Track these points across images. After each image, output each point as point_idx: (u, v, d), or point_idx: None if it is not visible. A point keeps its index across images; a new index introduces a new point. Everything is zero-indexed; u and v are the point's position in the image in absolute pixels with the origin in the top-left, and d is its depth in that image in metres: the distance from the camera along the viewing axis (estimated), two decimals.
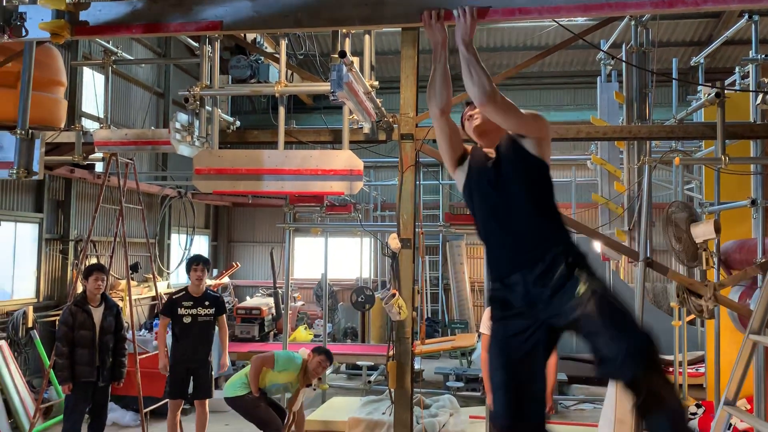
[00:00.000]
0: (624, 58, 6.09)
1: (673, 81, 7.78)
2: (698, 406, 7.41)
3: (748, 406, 6.75)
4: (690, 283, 4.90)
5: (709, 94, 5.12)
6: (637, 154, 6.04)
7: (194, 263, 6.08)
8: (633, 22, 6.05)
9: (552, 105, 14.60)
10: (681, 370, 7.06)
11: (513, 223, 2.59)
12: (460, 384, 8.91)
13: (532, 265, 2.49)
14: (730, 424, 4.84)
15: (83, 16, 2.97)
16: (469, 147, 2.84)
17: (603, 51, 6.82)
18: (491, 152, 2.73)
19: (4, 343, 7.37)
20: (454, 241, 14.65)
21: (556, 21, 3.27)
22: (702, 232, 4.95)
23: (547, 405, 4.65)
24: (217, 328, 6.15)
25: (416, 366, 6.54)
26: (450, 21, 2.65)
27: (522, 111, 2.63)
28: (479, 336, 4.98)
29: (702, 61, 7.60)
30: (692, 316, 7.01)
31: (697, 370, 8.49)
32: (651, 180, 5.40)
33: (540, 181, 2.66)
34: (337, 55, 3.75)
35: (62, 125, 6.44)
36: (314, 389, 5.45)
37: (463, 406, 7.55)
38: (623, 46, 6.25)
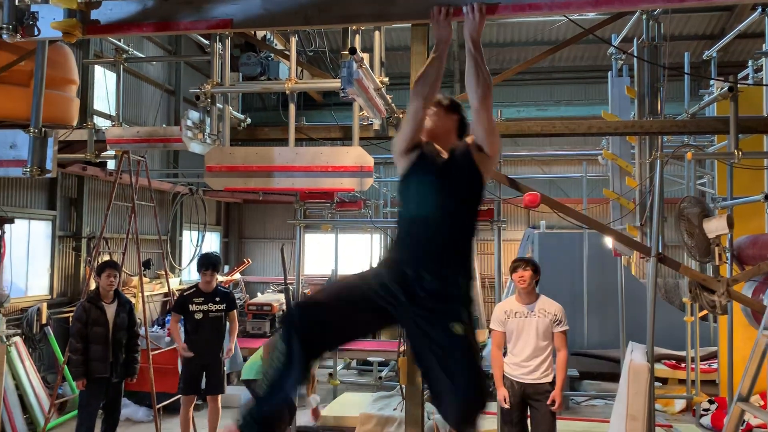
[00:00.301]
0: (635, 53, 6.05)
1: (685, 75, 7.73)
2: (711, 402, 7.38)
3: (762, 402, 6.72)
4: (703, 279, 4.87)
5: (721, 89, 5.08)
6: (649, 149, 6.01)
7: (203, 268, 6.09)
8: (644, 16, 6.00)
9: (563, 100, 14.53)
10: (693, 366, 7.03)
11: (439, 224, 2.65)
12: None
13: (434, 272, 2.56)
14: (744, 421, 4.82)
15: (94, 14, 2.98)
16: (423, 140, 2.86)
17: (614, 46, 6.78)
18: (443, 152, 2.78)
19: (18, 340, 7.45)
20: None
21: (566, 16, 3.25)
22: (715, 227, 4.92)
23: (557, 401, 4.66)
24: (227, 324, 6.18)
25: None
26: (459, 17, 2.65)
27: None
28: (489, 332, 4.98)
29: (714, 54, 7.53)
30: (705, 312, 6.98)
31: (709, 365, 8.45)
32: (663, 175, 5.37)
33: (476, 197, 2.75)
34: (347, 52, 3.76)
35: (74, 123, 6.48)
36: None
37: None
38: (635, 40, 6.20)
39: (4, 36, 2.99)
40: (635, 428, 4.80)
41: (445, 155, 2.76)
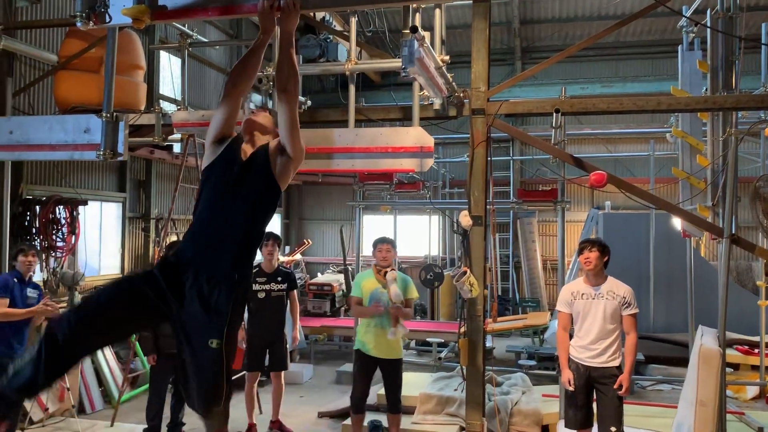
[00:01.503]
0: (708, 25, 5.76)
1: (763, 47, 7.32)
2: None
3: None
4: None
5: None
6: (722, 126, 5.74)
7: (264, 239, 6.21)
8: None
9: (629, 76, 14.01)
10: (767, 352, 6.75)
11: (225, 224, 2.67)
12: (533, 362, 8.82)
13: (209, 278, 2.60)
14: None
15: (162, 1, 3.05)
16: (235, 134, 2.90)
17: (686, 17, 6.48)
18: (247, 151, 2.80)
19: None
20: (526, 218, 14.41)
21: None
22: None
23: (624, 385, 4.55)
24: (288, 303, 6.29)
25: (487, 344, 6.52)
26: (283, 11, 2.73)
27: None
28: (552, 314, 4.90)
29: None
30: None
31: None
32: (737, 153, 5.13)
33: (266, 204, 2.78)
34: (408, 31, 3.73)
35: (142, 108, 6.69)
36: (395, 279, 5.33)
37: (536, 384, 7.47)
38: (708, 11, 5.91)
39: (78, 24, 3.10)
40: (705, 414, 4.65)
41: (247, 154, 2.79)
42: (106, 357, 7.60)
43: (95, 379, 7.30)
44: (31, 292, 5.26)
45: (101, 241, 9.16)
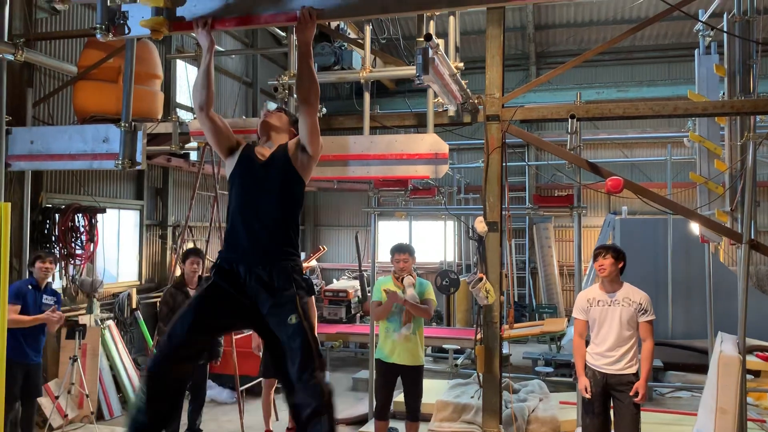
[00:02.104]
0: (725, 29, 5.72)
1: None
2: None
3: None
4: None
5: None
6: (740, 130, 5.68)
7: None
8: None
9: (644, 80, 13.92)
10: None
11: (260, 221, 2.85)
12: (550, 369, 8.77)
13: (263, 266, 2.79)
14: None
15: (180, 12, 3.09)
16: (243, 141, 3.10)
17: (702, 21, 6.44)
18: (264, 153, 2.99)
19: (112, 323, 7.88)
20: (542, 223, 14.34)
21: None
22: None
23: (641, 392, 4.51)
24: None
25: (504, 350, 6.49)
26: (221, 27, 3.02)
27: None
28: (569, 320, 4.87)
29: None
30: None
31: None
32: (756, 157, 5.08)
33: (294, 196, 2.96)
34: (422, 39, 3.74)
35: (160, 116, 6.77)
36: (413, 284, 5.32)
37: (553, 391, 7.43)
38: (724, 15, 5.87)
39: (98, 35, 3.15)
40: (725, 422, 4.60)
41: (264, 155, 2.96)
42: (124, 362, 7.67)
43: (114, 386, 7.37)
44: (47, 299, 5.32)
45: (119, 249, 9.26)
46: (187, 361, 2.80)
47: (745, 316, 4.79)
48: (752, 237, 4.82)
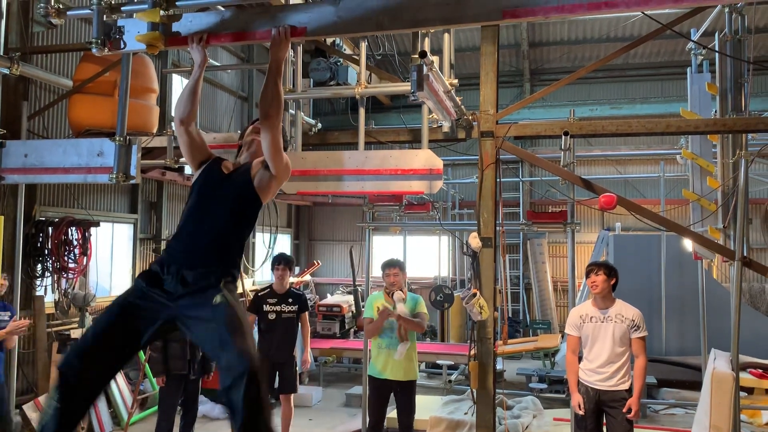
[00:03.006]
0: (717, 48, 5.79)
1: None
2: None
3: None
4: None
5: None
6: (732, 148, 5.73)
7: (276, 263, 6.26)
8: (727, 9, 5.74)
9: (638, 98, 14.04)
10: None
11: (204, 230, 2.79)
12: (544, 385, 8.75)
13: (192, 269, 2.69)
14: None
15: (175, 27, 3.11)
16: (212, 155, 3.07)
17: (693, 41, 6.51)
18: (229, 166, 2.97)
19: None
20: (536, 239, 14.37)
21: (643, 12, 3.15)
22: None
23: (634, 409, 4.51)
24: (299, 324, 6.29)
25: (498, 366, 6.47)
26: (213, 43, 3.08)
27: (283, 152, 2.90)
28: (563, 336, 4.87)
29: None
30: None
31: None
32: (747, 175, 5.11)
33: (244, 214, 2.89)
34: (417, 56, 3.77)
35: (155, 130, 6.77)
36: (403, 299, 5.32)
37: (547, 407, 7.41)
38: (716, 34, 5.94)
39: (94, 50, 3.17)
40: None
41: (228, 170, 2.94)
42: (116, 378, 7.61)
43: (104, 401, 7.30)
44: (2, 315, 5.32)
45: (113, 262, 9.22)
46: (101, 366, 2.67)
47: (738, 332, 4.80)
48: (745, 254, 4.84)
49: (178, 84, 10.67)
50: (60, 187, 7.99)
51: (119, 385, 7.55)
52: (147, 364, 6.75)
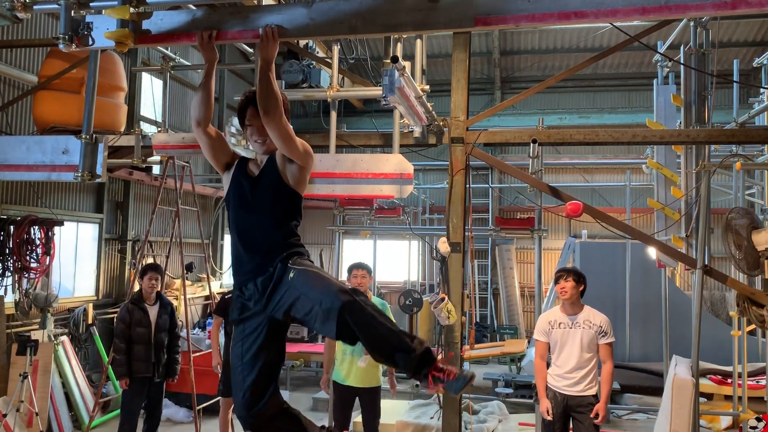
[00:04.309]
0: (682, 60, 5.93)
1: (734, 83, 7.54)
2: (758, 419, 7.14)
3: None
4: (751, 293, 4.73)
5: None
6: (696, 159, 5.87)
7: None
8: (692, 23, 5.88)
9: (606, 108, 14.30)
10: (741, 382, 6.82)
11: (256, 235, 2.82)
12: (510, 390, 8.82)
13: (263, 273, 2.74)
14: None
15: (146, 24, 3.07)
16: (236, 154, 3.04)
17: (660, 53, 6.66)
18: (254, 169, 2.93)
19: (66, 339, 7.66)
20: (504, 245, 14.50)
21: (611, 23, 3.21)
22: (764, 239, 4.77)
23: (601, 414, 4.57)
24: None
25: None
26: (221, 40, 2.91)
27: (298, 140, 2.83)
28: (530, 341, 4.92)
29: (765, 62, 7.33)
30: (753, 327, 6.77)
31: (757, 382, 8.18)
32: (710, 185, 5.24)
33: (289, 211, 2.87)
34: (389, 61, 3.78)
35: (122, 129, 6.67)
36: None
37: (512, 412, 7.47)
38: (681, 47, 6.08)
39: (61, 46, 3.10)
40: None
41: (255, 172, 2.91)
42: (77, 379, 7.45)
43: (65, 403, 7.14)
44: None
45: (76, 263, 9.03)
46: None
47: (698, 339, 4.91)
48: (706, 263, 4.96)
49: (148, 82, 10.52)
50: (23, 184, 7.81)
51: (81, 388, 7.40)
52: (110, 367, 6.62)
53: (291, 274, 2.67)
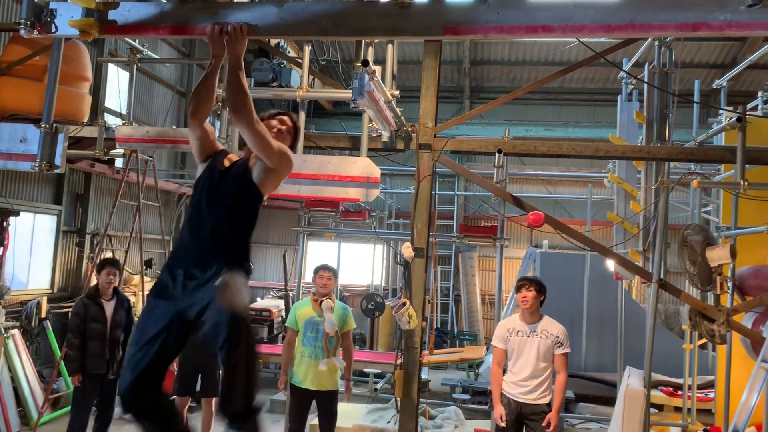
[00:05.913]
0: (646, 78, 6.06)
1: (695, 103, 7.74)
2: (706, 431, 7.33)
3: None
4: (703, 307, 4.86)
5: (730, 118, 5.09)
6: (655, 175, 6.00)
7: None
8: (656, 42, 6.02)
9: (571, 121, 14.55)
10: (690, 394, 7.00)
11: (209, 226, 2.75)
12: (467, 396, 8.88)
13: (199, 267, 2.65)
14: None
15: (112, 15, 3.02)
16: (219, 148, 3.01)
17: (624, 71, 6.80)
18: (230, 159, 2.92)
19: (16, 332, 7.45)
20: (467, 252, 14.62)
21: (578, 39, 3.28)
22: (717, 256, 4.91)
23: (552, 423, 4.64)
24: None
25: (423, 376, 6.53)
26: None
27: (273, 142, 2.76)
28: (488, 348, 4.97)
29: (725, 84, 7.54)
30: (704, 340, 6.95)
31: (706, 394, 8.40)
32: (668, 201, 5.37)
33: (244, 210, 2.82)
34: (359, 64, 3.79)
35: (85, 120, 6.54)
36: (331, 308, 5.31)
37: (469, 418, 7.52)
38: (646, 65, 6.22)
39: (22, 31, 3.03)
40: None
41: (229, 163, 2.89)
42: (27, 375, 7.26)
43: (13, 399, 6.94)
44: None
45: (32, 254, 8.80)
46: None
47: (651, 351, 5.01)
48: (661, 277, 5.07)
49: (114, 74, 10.33)
50: None
51: (31, 383, 7.20)
52: (62, 362, 6.47)
53: (219, 282, 2.57)
